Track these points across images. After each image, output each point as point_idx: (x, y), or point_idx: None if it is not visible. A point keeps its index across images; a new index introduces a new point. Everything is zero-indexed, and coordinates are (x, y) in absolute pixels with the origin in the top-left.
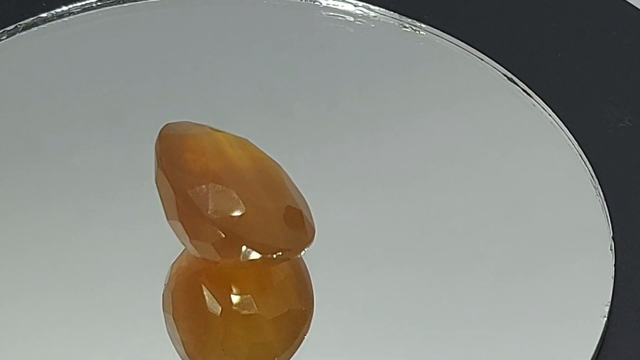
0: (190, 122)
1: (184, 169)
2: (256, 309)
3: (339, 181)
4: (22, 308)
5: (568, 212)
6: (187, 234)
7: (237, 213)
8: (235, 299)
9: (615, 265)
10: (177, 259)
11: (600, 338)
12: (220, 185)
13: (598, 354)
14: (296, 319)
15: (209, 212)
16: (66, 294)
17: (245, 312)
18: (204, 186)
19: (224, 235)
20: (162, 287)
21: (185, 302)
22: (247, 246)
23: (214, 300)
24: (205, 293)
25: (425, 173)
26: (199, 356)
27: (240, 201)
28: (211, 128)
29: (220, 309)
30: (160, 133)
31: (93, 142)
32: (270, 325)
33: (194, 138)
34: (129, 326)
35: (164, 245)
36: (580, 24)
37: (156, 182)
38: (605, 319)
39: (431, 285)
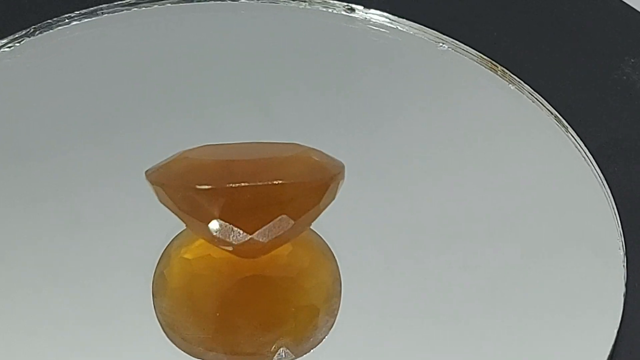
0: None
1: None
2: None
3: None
4: (15, 309)
5: (574, 212)
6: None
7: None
8: (290, 272)
9: (626, 265)
10: (156, 276)
11: (614, 342)
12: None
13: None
14: (330, 256)
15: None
16: (57, 296)
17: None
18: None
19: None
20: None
21: (233, 306)
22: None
23: (279, 285)
24: (268, 284)
25: (429, 174)
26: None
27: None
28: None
29: (290, 286)
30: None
31: (84, 145)
32: (331, 268)
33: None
34: (122, 329)
35: (157, 245)
36: (579, 24)
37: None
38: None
39: (429, 286)
